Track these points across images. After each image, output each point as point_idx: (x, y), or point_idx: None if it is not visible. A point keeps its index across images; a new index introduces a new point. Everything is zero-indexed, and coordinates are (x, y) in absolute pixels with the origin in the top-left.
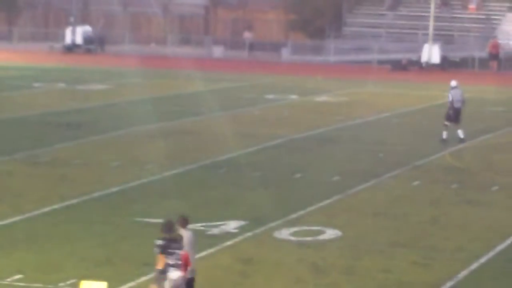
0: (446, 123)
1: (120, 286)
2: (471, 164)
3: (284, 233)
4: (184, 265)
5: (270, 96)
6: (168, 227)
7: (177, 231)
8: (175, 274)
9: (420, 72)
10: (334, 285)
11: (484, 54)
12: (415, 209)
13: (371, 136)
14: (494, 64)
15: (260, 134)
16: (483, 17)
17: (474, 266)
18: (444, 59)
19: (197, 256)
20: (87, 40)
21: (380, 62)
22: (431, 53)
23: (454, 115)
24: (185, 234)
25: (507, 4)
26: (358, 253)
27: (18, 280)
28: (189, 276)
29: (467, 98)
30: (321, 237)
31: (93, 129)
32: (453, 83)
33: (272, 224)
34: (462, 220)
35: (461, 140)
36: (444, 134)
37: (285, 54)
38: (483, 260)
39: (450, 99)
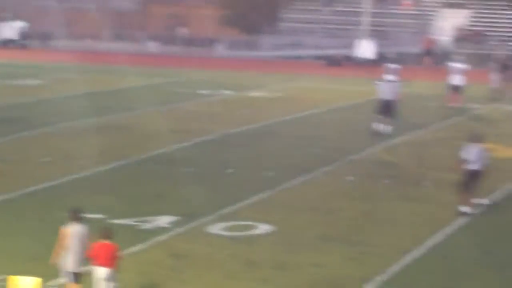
0: (378, 116)
1: (50, 281)
2: (404, 159)
3: (217, 228)
4: (112, 258)
5: (205, 92)
6: None
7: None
8: None
9: (355, 67)
10: (266, 280)
11: (418, 49)
12: (348, 204)
13: (306, 131)
14: (428, 59)
15: (194, 129)
16: (418, 12)
17: (406, 260)
18: (379, 54)
19: (130, 251)
20: (22, 35)
21: (315, 58)
22: (366, 48)
23: (383, 108)
24: (75, 227)
25: (442, 0)
26: (290, 248)
27: None
28: (75, 270)
29: (402, 93)
30: (254, 232)
31: (26, 125)
32: (388, 76)
33: (205, 219)
34: (394, 215)
35: (383, 135)
36: (378, 128)
37: (220, 49)
38: (414, 254)
39: (378, 89)
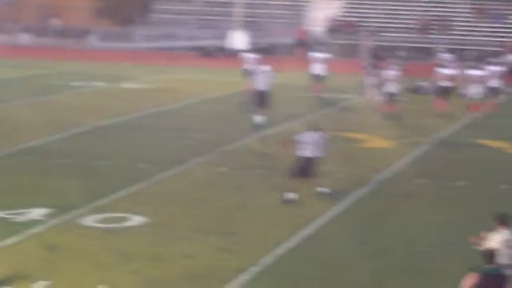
0: (254, 107)
1: None
2: (277, 149)
3: (90, 220)
4: None
5: (78, 83)
6: None
7: None
8: None
9: (227, 58)
10: (139, 272)
11: (291, 40)
12: (221, 195)
13: (179, 122)
14: (301, 50)
15: (66, 121)
16: (291, 3)
17: (279, 251)
18: (251, 45)
19: (3, 244)
20: None
21: (188, 49)
22: (239, 39)
23: (258, 99)
24: None
25: None
26: (163, 239)
27: None
28: None
29: (275, 84)
30: (127, 223)
31: None
32: (263, 67)
33: (78, 211)
34: (267, 205)
35: (257, 126)
36: (255, 119)
37: (93, 41)
38: (287, 245)
39: (254, 83)
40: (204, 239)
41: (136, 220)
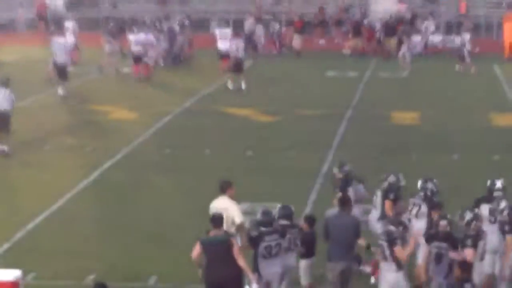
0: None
1: None
2: (22, 125)
3: None
4: None
5: None
6: None
7: None
8: None
9: None
10: None
11: (33, 15)
12: None
13: None
14: (42, 24)
15: None
16: None
17: (30, 226)
18: None
19: None
20: None
21: None
22: None
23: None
24: None
25: None
26: None
27: None
28: None
29: (18, 59)
30: None
31: None
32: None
33: None
34: (17, 182)
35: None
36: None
37: None
38: (38, 220)
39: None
40: None
41: None
